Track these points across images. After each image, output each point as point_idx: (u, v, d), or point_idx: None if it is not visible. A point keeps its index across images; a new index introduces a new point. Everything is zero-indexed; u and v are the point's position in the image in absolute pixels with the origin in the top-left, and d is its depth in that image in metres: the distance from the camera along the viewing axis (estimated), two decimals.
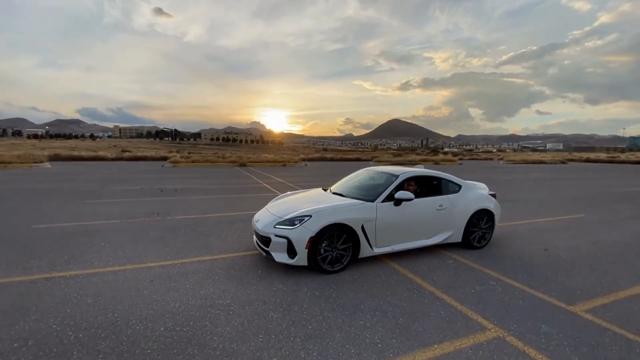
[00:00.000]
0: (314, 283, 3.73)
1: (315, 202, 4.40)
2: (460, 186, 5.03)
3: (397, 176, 4.67)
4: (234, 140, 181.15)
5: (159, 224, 6.32)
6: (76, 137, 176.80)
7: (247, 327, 2.84)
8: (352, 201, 4.36)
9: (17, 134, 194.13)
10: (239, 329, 2.82)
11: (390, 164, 30.23)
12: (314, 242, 3.83)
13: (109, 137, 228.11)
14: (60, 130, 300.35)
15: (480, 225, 5.03)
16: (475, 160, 44.24)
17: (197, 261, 4.40)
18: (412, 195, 4.30)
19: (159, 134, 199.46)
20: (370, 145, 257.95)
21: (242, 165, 25.27)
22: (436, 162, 32.93)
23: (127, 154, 35.55)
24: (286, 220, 4.01)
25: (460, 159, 41.07)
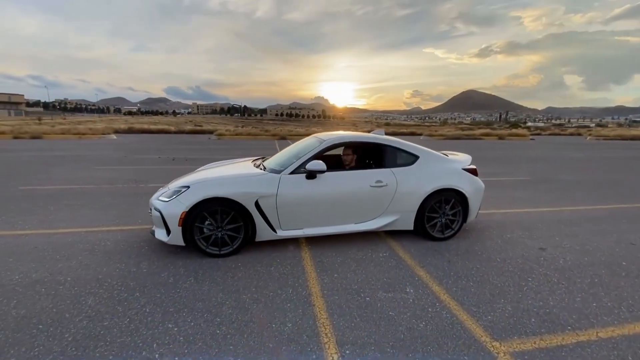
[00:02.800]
0: (183, 268, 3.11)
1: (221, 173, 3.69)
2: (416, 157, 3.78)
3: (323, 141, 3.67)
4: (297, 115, 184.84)
5: (124, 191, 6.29)
6: (162, 113, 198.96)
7: (48, 308, 2.37)
8: (249, 172, 3.54)
9: (117, 111, 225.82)
10: (33, 308, 2.37)
11: (442, 137, 27.31)
12: (189, 219, 3.17)
13: (188, 113, 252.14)
14: (151, 108, 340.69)
15: (444, 209, 3.78)
16: (556, 136, 37.61)
17: (105, 231, 4.11)
18: (323, 166, 3.30)
19: (230, 110, 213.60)
20: (439, 119, 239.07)
21: (282, 138, 25.23)
22: (501, 137, 28.70)
23: (188, 128, 38.37)
24: (169, 191, 3.40)
25: (535, 134, 35.37)
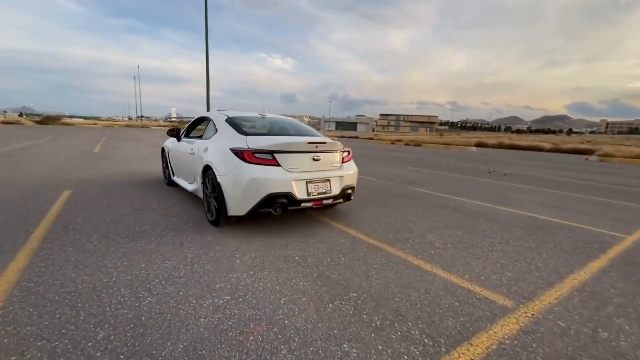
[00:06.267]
0: None
1: None
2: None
3: None
4: None
5: (386, 188, 6.39)
6: (554, 132, 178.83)
7: None
8: None
9: (507, 129, 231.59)
10: None
11: None
12: None
13: (590, 132, 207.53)
14: (544, 126, 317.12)
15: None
16: None
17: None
18: None
19: None
20: None
21: None
22: None
23: (566, 146, 31.56)
24: None
25: None
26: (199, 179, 3.84)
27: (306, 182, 3.36)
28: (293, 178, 3.26)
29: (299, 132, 4.24)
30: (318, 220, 3.92)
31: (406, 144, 29.86)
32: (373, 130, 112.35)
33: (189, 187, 4.34)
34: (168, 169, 5.48)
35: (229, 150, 3.33)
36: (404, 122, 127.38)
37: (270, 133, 4.18)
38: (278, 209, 3.25)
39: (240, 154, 3.24)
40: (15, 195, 4.53)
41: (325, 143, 3.56)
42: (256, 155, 3.23)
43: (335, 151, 3.71)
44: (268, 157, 3.24)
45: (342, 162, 3.84)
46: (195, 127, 5.08)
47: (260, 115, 4.37)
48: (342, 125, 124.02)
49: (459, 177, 8.38)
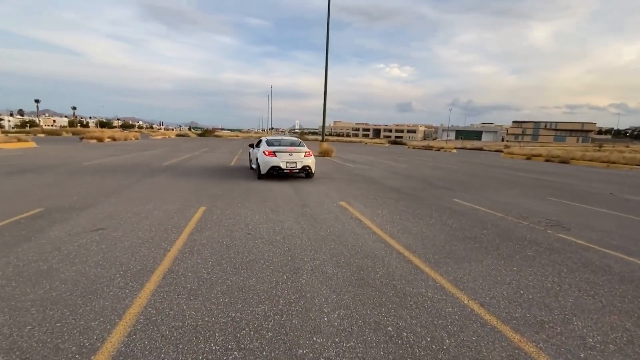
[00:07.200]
0: None
1: None
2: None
3: None
4: None
5: (523, 233, 5.23)
6: None
7: None
8: None
9: None
10: None
11: None
12: None
13: None
14: None
15: None
16: None
17: None
18: None
19: None
20: None
21: None
22: None
23: None
24: None
25: None
26: (255, 163, 10.00)
27: (286, 162, 8.78)
28: (280, 161, 8.75)
29: (289, 144, 9.42)
30: (418, 269, 3.43)
31: (547, 160, 24.67)
32: (503, 140, 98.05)
33: (254, 166, 10.28)
34: (249, 161, 12.48)
35: (262, 152, 9.04)
36: (545, 131, 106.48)
37: (279, 145, 9.35)
38: (275, 172, 8.85)
39: (265, 152, 8.96)
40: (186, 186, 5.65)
41: (294, 149, 9.01)
42: (269, 153, 8.89)
43: (301, 152, 9.02)
44: (273, 154, 8.84)
45: (305, 156, 9.04)
46: (259, 142, 10.34)
47: (281, 137, 10.41)
48: (463, 134, 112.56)
49: (628, 218, 6.24)
